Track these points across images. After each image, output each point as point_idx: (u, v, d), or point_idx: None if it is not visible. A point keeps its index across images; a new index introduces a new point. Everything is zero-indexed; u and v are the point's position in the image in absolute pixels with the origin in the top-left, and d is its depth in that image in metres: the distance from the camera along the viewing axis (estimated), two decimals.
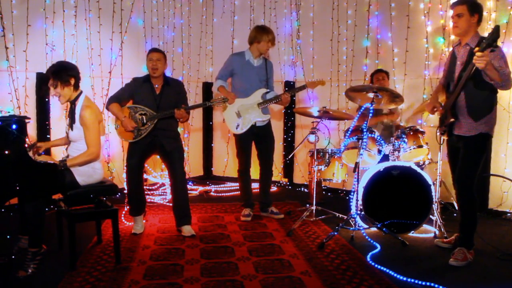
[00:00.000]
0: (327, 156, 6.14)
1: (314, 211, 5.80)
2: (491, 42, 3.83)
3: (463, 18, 4.34)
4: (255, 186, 6.21)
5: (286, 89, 7.55)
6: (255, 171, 6.11)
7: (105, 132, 4.69)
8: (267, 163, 6.04)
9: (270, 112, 6.06)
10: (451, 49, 4.58)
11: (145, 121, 5.12)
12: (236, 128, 5.74)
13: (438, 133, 4.74)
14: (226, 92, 5.74)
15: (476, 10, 4.33)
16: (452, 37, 6.07)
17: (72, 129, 4.36)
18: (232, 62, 5.83)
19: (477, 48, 3.92)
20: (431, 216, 5.24)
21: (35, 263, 4.08)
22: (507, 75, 4.09)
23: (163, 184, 7.52)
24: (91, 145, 4.31)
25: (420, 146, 5.49)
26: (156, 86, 5.24)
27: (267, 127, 5.96)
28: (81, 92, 4.44)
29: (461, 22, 4.37)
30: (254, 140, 5.94)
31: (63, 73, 4.29)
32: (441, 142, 4.99)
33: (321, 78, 5.99)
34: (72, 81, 4.33)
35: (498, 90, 4.33)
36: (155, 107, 5.16)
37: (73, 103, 4.39)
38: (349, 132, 5.56)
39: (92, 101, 4.61)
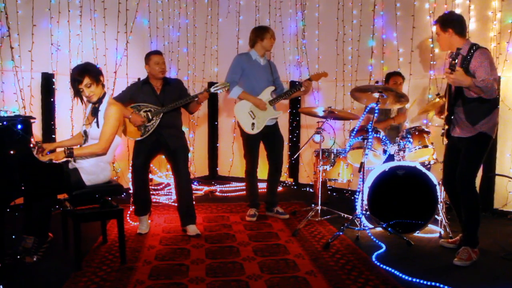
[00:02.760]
0: (332, 156, 6.13)
1: (319, 211, 5.79)
2: (452, 63, 4.08)
3: (440, 36, 4.56)
4: (261, 186, 6.22)
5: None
6: (261, 171, 6.10)
7: (122, 134, 4.69)
8: (277, 163, 6.03)
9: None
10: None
11: (150, 117, 5.13)
12: (252, 129, 5.72)
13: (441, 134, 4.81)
14: (252, 97, 5.72)
15: (447, 25, 4.46)
16: None
17: (98, 126, 4.37)
18: (240, 62, 5.81)
19: (447, 68, 4.13)
20: (436, 216, 5.23)
21: (41, 251, 4.13)
22: (490, 87, 4.14)
23: (168, 184, 7.53)
24: (103, 140, 4.32)
25: (426, 146, 5.47)
26: (157, 87, 5.27)
27: (275, 126, 5.96)
28: (105, 92, 4.49)
29: (440, 41, 4.60)
30: (263, 140, 5.94)
31: (96, 72, 4.37)
32: (444, 142, 4.99)
33: (324, 70, 6.02)
34: (102, 79, 4.42)
35: (498, 97, 4.41)
36: (160, 106, 5.17)
37: (98, 102, 4.42)
38: (354, 132, 5.55)
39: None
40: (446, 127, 4.59)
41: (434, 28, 4.61)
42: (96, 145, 4.33)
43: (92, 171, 4.35)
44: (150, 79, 5.26)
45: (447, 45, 4.52)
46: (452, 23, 4.44)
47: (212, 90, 5.28)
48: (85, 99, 4.44)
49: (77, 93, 4.36)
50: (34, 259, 4.07)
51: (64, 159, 4.19)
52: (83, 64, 4.46)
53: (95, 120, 4.38)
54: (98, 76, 4.36)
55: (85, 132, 4.49)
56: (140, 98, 5.21)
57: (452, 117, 4.53)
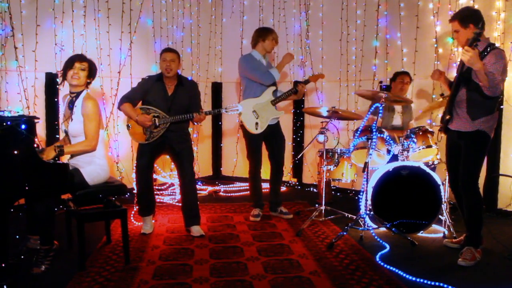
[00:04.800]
0: (336, 156, 6.13)
1: (323, 211, 5.77)
2: (475, 38, 4.02)
3: (459, 33, 4.47)
4: (265, 186, 6.23)
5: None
6: (263, 171, 6.10)
7: (104, 126, 4.69)
8: (278, 162, 6.03)
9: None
10: (460, 49, 4.60)
11: (157, 123, 5.10)
12: (256, 128, 5.72)
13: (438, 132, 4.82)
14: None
15: (468, 21, 4.38)
16: None
17: (72, 120, 4.34)
18: (253, 57, 5.82)
19: (467, 46, 4.06)
20: (440, 216, 5.22)
21: (49, 260, 4.12)
22: (495, 82, 4.12)
23: (172, 184, 7.54)
24: (90, 137, 4.30)
25: (429, 146, 5.46)
26: (169, 86, 5.22)
27: (276, 126, 5.96)
28: (87, 89, 4.49)
29: (459, 37, 4.50)
30: (264, 140, 5.94)
31: (94, 66, 4.50)
32: (439, 140, 4.98)
33: (319, 72, 6.11)
34: (92, 77, 4.48)
35: (502, 97, 4.39)
36: (166, 108, 5.14)
37: (76, 95, 4.41)
38: (358, 132, 5.55)
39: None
40: (448, 117, 4.55)
41: (448, 26, 4.56)
42: (84, 143, 4.31)
43: (92, 171, 4.34)
44: (163, 77, 5.20)
45: (465, 43, 4.35)
46: (474, 19, 4.37)
47: (224, 111, 5.28)
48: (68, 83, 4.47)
49: (65, 73, 4.38)
50: (42, 268, 4.07)
51: (60, 158, 4.18)
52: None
53: (72, 115, 4.36)
54: (94, 71, 4.48)
55: (65, 132, 4.48)
56: (151, 95, 5.17)
57: (452, 109, 4.53)
